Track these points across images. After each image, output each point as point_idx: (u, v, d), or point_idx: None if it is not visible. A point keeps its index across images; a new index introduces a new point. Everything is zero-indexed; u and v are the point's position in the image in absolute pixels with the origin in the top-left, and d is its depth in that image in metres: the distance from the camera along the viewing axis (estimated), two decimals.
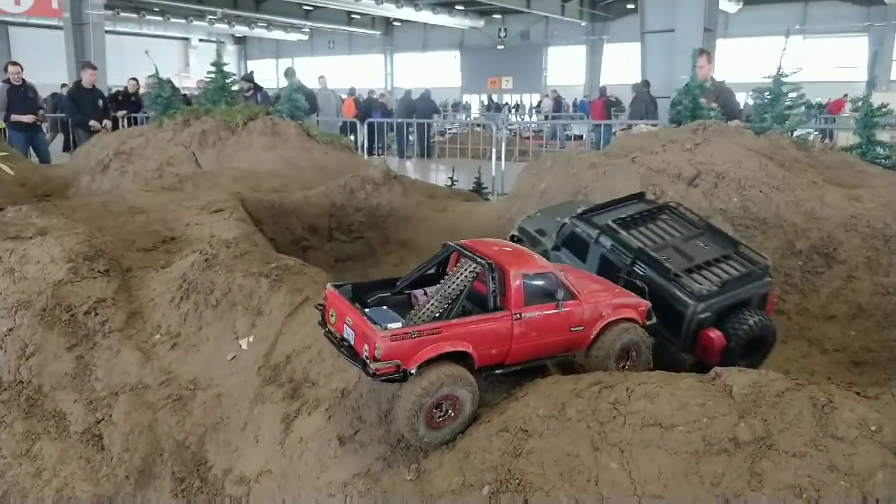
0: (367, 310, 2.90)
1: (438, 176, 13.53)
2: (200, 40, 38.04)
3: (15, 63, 10.75)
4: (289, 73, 14.83)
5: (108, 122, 10.39)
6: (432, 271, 3.26)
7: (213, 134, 8.27)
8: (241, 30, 36.79)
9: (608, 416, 2.54)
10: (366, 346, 2.66)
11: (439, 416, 2.75)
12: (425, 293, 3.11)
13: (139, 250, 4.75)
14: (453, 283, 2.83)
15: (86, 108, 10.42)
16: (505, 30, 35.24)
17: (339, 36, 40.44)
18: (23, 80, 10.46)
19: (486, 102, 32.33)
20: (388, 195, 6.68)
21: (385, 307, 3.07)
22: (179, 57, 37.89)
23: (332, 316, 2.96)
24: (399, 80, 38.82)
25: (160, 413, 3.55)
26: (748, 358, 3.33)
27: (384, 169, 6.84)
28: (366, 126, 13.96)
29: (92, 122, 10.15)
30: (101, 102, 10.71)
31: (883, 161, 5.87)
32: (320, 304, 3.07)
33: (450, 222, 6.63)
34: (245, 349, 3.65)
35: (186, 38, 38.29)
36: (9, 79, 10.59)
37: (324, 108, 14.12)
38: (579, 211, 3.99)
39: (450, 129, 19.76)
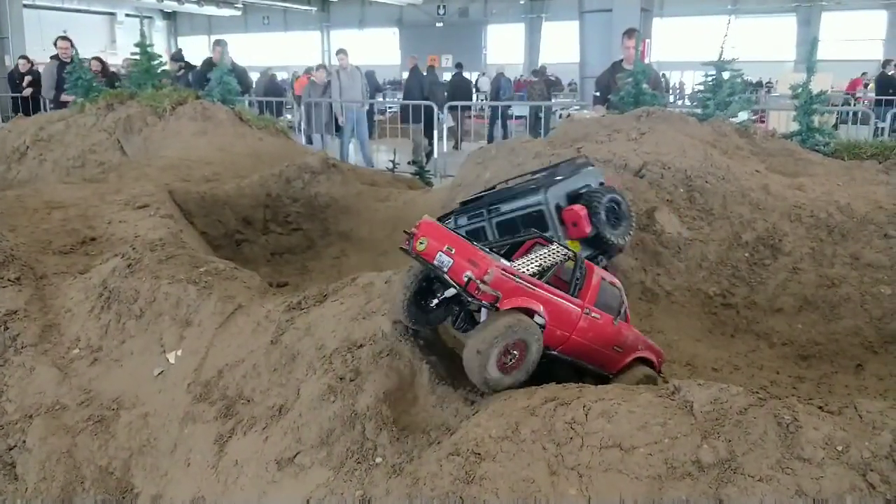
0: (473, 242, 2.94)
1: (380, 157, 13.26)
2: (127, 15, 36.16)
3: (65, 38, 9.86)
4: (220, 43, 14.13)
5: None
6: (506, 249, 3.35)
7: (138, 120, 7.81)
8: (170, 4, 35.06)
9: (565, 436, 2.40)
10: (468, 273, 2.74)
11: (508, 361, 2.78)
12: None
13: (56, 253, 4.37)
14: (549, 257, 3.08)
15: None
16: (444, 7, 34.77)
17: (274, 12, 39.19)
18: (72, 57, 9.67)
19: None
20: (327, 184, 6.41)
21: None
22: (105, 33, 36.00)
23: (420, 244, 2.94)
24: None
25: (80, 437, 3.24)
26: (616, 228, 3.65)
27: (322, 156, 6.56)
28: (303, 107, 13.47)
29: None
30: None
31: (822, 148, 5.93)
32: (408, 231, 3.05)
33: (392, 212, 6.41)
34: (173, 364, 3.37)
35: (112, 13, 36.35)
36: (58, 55, 9.76)
37: (347, 87, 12.41)
38: (459, 201, 4.24)
39: (390, 108, 19.41)
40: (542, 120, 12.42)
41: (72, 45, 9.70)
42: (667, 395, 2.50)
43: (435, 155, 12.40)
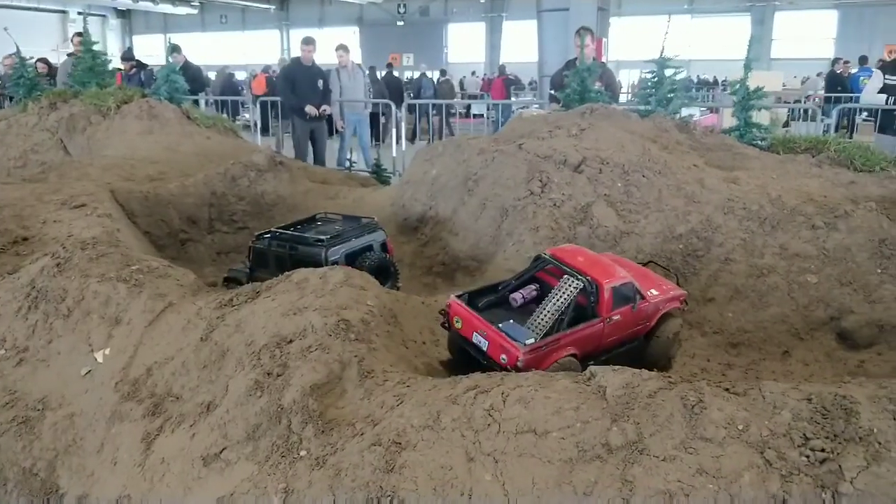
0: (500, 325, 3.29)
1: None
2: (79, 13, 35.37)
3: (80, 34, 9.58)
4: (175, 49, 13.94)
5: None
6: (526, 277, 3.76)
7: (82, 119, 7.66)
8: (124, 2, 34.47)
9: (483, 423, 2.44)
10: (503, 356, 3.18)
11: None
12: (522, 296, 3.65)
13: None
14: (561, 297, 3.32)
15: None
16: (404, 5, 34.76)
17: (232, 10, 38.74)
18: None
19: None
20: (274, 182, 6.37)
21: (496, 310, 3.59)
22: (56, 31, 35.16)
23: (457, 322, 3.45)
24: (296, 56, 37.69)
25: (3, 438, 3.18)
26: (382, 283, 4.13)
27: (269, 154, 6.52)
28: (258, 105, 13.34)
29: None
30: None
31: (759, 143, 6.08)
32: (443, 311, 3.56)
33: (341, 210, 6.38)
34: (101, 363, 3.33)
35: (64, 11, 35.54)
36: (75, 52, 9.55)
37: (349, 87, 11.41)
38: (255, 234, 4.82)
39: None
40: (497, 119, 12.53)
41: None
42: (583, 380, 2.55)
43: (394, 154, 12.38)
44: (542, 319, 3.25)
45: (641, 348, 3.74)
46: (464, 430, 2.45)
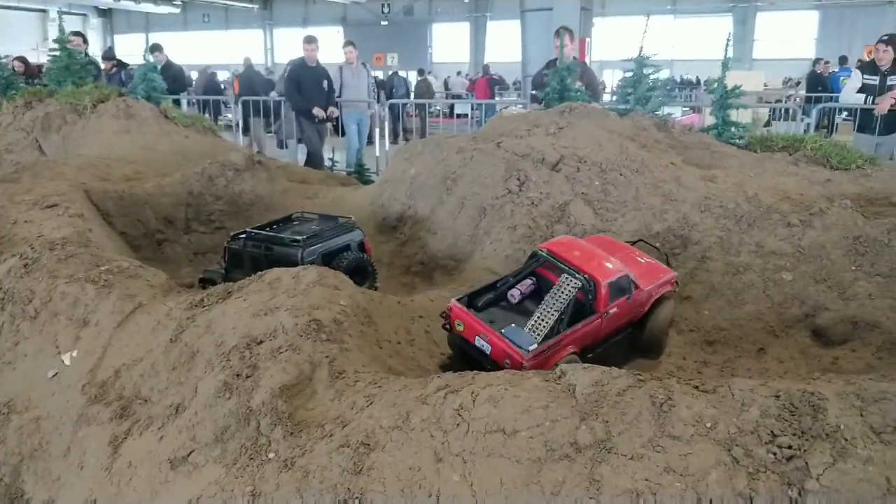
0: (503, 331, 3.34)
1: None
2: (60, 12, 35.02)
3: (78, 33, 9.42)
4: (156, 48, 13.79)
5: None
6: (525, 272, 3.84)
7: (57, 118, 7.56)
8: (105, 1, 34.12)
9: (452, 423, 2.41)
10: (507, 361, 3.25)
11: None
12: (520, 292, 3.72)
13: None
14: (560, 297, 3.38)
15: None
16: (388, 5, 34.70)
17: (215, 9, 38.49)
18: (86, 53, 9.21)
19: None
20: (252, 182, 6.31)
21: (495, 309, 3.68)
22: (36, 30, 34.78)
23: (458, 325, 3.50)
24: (280, 55, 37.52)
25: None
26: (360, 283, 4.18)
27: (246, 153, 6.46)
28: (240, 105, 13.24)
29: None
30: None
31: (737, 141, 6.10)
32: (444, 314, 3.59)
33: (320, 209, 6.33)
34: (68, 365, 3.27)
35: (44, 10, 35.15)
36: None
37: (352, 86, 10.91)
38: (231, 234, 4.75)
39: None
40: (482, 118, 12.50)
41: (84, 41, 9.33)
42: (553, 379, 2.53)
43: (377, 153, 12.33)
44: (543, 321, 3.32)
45: (636, 333, 3.88)
46: (433, 430, 2.43)
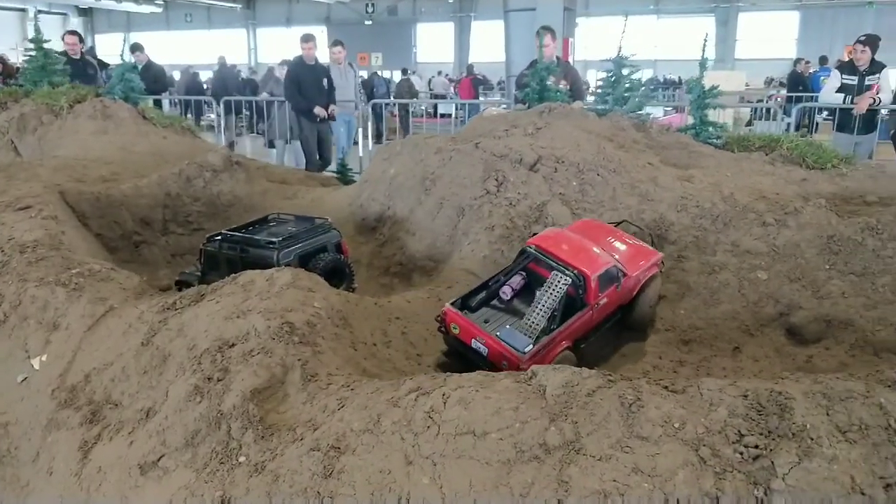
0: (498, 333, 3.40)
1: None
2: (39, 11, 34.60)
3: (73, 33, 9.22)
4: (136, 48, 13.68)
5: None
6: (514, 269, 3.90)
7: (33, 118, 7.48)
8: (86, 0, 33.79)
9: (423, 426, 2.40)
10: (504, 363, 3.30)
11: None
12: (511, 288, 3.78)
13: None
14: (551, 295, 3.44)
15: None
16: (373, 5, 34.64)
17: (197, 9, 38.23)
18: (82, 53, 9.11)
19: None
20: (230, 182, 6.28)
21: (488, 308, 3.76)
22: (15, 29, 34.36)
23: (454, 328, 3.54)
24: (263, 55, 37.35)
25: None
26: (337, 285, 4.20)
27: (225, 154, 6.41)
28: (222, 104, 13.16)
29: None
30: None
31: (714, 141, 6.13)
32: (439, 317, 3.63)
33: (299, 210, 6.29)
34: (37, 369, 3.23)
35: (23, 9, 34.73)
36: (66, 51, 9.20)
37: (339, 86, 10.61)
38: (207, 236, 4.69)
39: None
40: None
41: (81, 40, 9.21)
42: (524, 380, 2.53)
43: (360, 153, 12.29)
44: (536, 320, 3.39)
45: (625, 315, 4.00)
46: (404, 432, 2.42)
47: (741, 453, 2.08)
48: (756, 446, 2.09)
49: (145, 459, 2.77)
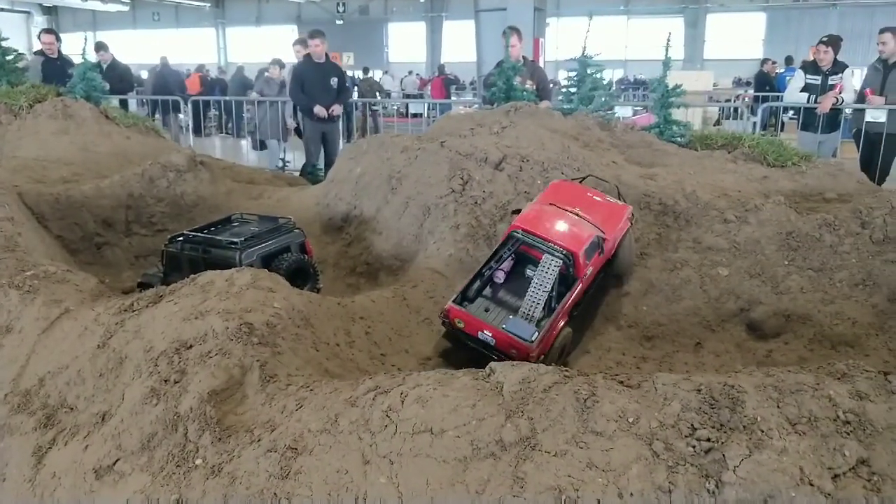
0: (504, 326, 3.64)
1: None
2: (1, 10, 33.88)
3: (50, 31, 8.97)
4: (101, 47, 13.42)
5: None
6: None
7: None
8: None
9: (380, 425, 2.39)
10: (514, 351, 3.54)
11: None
12: (504, 271, 4.03)
13: None
14: (545, 279, 3.70)
15: None
16: (344, 4, 34.47)
17: (165, 7, 37.65)
18: (59, 52, 8.86)
19: None
20: (194, 183, 6.19)
21: (483, 298, 3.95)
22: None
23: (459, 323, 3.75)
24: (233, 55, 36.98)
25: None
26: (301, 285, 4.21)
27: (189, 154, 6.33)
28: (190, 105, 12.99)
29: None
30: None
31: (678, 139, 6.21)
32: (442, 315, 3.83)
33: (265, 210, 6.24)
34: None
35: None
36: (42, 50, 9.02)
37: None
38: (168, 237, 4.69)
39: None
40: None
41: (58, 39, 9.01)
42: (482, 377, 2.53)
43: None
44: (536, 304, 3.66)
45: (607, 269, 4.24)
46: (361, 432, 2.41)
47: (693, 447, 2.11)
48: (708, 439, 2.12)
49: (100, 464, 2.72)
